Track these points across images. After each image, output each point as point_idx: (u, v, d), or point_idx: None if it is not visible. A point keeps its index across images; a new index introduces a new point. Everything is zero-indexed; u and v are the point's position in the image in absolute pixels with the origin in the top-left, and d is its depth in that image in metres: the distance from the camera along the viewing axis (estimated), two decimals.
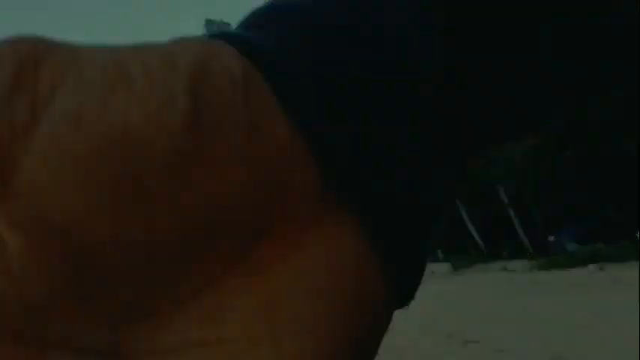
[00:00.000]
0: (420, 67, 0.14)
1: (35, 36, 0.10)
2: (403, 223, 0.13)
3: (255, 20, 0.14)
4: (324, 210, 0.12)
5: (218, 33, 0.12)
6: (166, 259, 0.11)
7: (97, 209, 0.10)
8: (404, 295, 0.14)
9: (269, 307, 0.11)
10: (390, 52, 0.14)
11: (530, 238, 18.38)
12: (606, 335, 4.89)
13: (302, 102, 0.12)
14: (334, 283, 0.12)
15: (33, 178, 0.10)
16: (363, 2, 0.14)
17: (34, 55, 0.10)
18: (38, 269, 0.10)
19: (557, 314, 6.58)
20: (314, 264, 0.12)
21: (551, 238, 16.54)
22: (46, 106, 0.10)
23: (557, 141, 14.44)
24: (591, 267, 11.71)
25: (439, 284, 14.42)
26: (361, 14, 0.14)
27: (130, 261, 0.10)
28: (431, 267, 20.39)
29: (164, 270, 0.11)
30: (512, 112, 0.17)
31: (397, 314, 0.14)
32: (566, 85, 0.18)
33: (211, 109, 0.11)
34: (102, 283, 0.10)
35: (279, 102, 0.11)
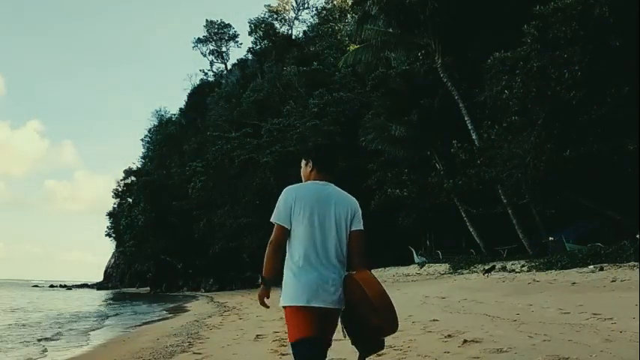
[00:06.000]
0: None
1: None
2: None
3: None
4: None
5: None
6: None
7: None
8: None
9: None
10: None
11: (530, 238, 18.37)
12: (606, 335, 4.89)
13: None
14: None
15: None
16: None
17: None
18: None
19: (557, 314, 6.58)
20: None
21: (551, 238, 16.54)
22: None
23: (557, 140, 14.44)
24: (591, 267, 11.73)
25: (439, 284, 14.41)
26: None
27: None
28: (431, 267, 20.39)
29: None
30: None
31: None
32: None
33: None
34: None
35: None
